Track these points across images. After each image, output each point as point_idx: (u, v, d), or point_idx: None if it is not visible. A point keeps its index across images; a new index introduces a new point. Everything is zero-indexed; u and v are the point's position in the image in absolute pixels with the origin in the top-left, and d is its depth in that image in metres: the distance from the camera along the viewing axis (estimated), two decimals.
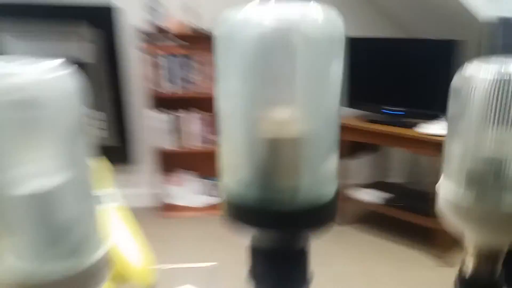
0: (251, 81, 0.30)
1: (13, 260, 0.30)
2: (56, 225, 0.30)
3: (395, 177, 3.31)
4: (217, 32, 0.30)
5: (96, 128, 2.78)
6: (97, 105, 2.76)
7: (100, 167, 0.54)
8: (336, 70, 0.30)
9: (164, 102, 2.71)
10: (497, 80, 0.31)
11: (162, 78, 2.66)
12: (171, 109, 2.74)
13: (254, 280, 0.34)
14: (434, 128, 2.39)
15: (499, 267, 0.36)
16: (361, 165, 2.99)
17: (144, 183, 3.01)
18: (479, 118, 0.32)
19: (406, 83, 2.63)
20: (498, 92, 0.31)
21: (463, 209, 0.34)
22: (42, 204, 0.29)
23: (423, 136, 2.34)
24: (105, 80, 2.78)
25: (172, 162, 2.88)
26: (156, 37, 2.66)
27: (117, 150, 2.87)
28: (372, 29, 3.02)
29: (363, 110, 2.64)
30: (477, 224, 0.34)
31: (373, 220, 3.01)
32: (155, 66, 2.63)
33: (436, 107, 2.50)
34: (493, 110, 0.31)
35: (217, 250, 2.14)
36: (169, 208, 2.86)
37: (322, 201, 0.31)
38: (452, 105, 0.35)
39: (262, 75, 0.29)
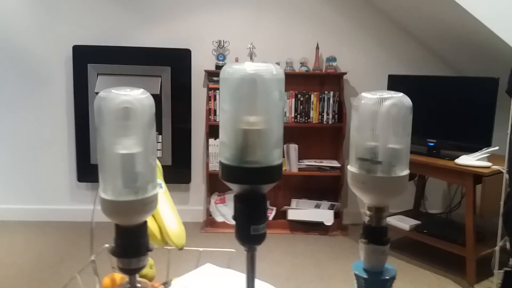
0: (236, 101, 0.57)
1: (104, 195, 0.57)
2: (132, 173, 0.58)
3: (429, 206, 3.45)
4: (221, 75, 0.58)
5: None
6: (159, 129, 3.28)
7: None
8: (278, 95, 0.57)
9: (217, 131, 3.28)
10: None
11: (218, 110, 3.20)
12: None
13: (236, 219, 0.59)
14: (472, 160, 2.50)
15: (385, 217, 0.59)
16: None
17: (193, 200, 3.52)
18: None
19: (449, 117, 2.81)
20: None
21: (357, 179, 0.58)
22: (127, 161, 0.58)
23: (461, 167, 2.47)
24: (171, 109, 3.33)
25: (220, 183, 3.40)
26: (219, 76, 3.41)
27: (171, 170, 3.32)
28: (425, 67, 3.38)
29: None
30: (365, 188, 0.58)
31: (405, 246, 3.11)
32: (214, 100, 3.26)
33: (474, 140, 2.65)
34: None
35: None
36: (211, 223, 3.30)
37: (272, 165, 0.57)
38: (353, 118, 0.60)
39: (241, 98, 0.57)
